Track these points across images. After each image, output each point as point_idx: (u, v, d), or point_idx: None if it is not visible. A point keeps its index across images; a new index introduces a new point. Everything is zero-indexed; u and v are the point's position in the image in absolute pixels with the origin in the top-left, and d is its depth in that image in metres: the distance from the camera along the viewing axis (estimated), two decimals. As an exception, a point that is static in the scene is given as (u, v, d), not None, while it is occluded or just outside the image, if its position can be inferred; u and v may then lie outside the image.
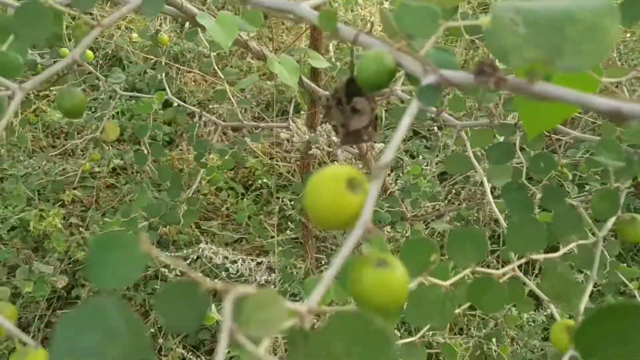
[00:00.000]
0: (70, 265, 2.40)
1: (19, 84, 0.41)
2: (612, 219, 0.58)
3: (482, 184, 1.48)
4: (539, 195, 0.62)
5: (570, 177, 0.65)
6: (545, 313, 1.64)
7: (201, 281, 0.22)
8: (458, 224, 1.40)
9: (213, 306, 0.89)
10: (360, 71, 0.34)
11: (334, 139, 1.20)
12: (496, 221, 1.42)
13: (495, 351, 1.24)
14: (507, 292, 0.49)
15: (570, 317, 0.91)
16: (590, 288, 0.55)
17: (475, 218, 1.49)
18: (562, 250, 0.51)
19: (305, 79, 1.02)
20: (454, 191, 1.49)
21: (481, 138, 0.76)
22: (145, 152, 2.55)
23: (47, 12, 0.44)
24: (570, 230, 0.54)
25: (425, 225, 1.54)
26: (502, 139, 0.75)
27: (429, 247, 0.43)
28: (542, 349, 1.91)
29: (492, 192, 1.41)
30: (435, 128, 2.01)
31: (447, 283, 0.45)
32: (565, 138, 0.67)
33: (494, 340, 1.17)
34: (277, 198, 2.62)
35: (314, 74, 1.09)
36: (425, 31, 0.33)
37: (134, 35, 2.82)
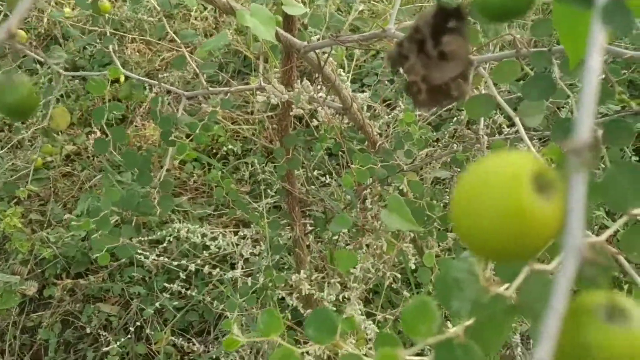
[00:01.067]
0: (38, 265, 2.25)
1: None
2: None
3: (473, 123, 1.38)
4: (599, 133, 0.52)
5: (634, 105, 0.54)
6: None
7: None
8: (457, 169, 1.30)
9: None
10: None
11: (315, 95, 1.07)
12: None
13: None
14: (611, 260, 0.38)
15: None
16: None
17: (467, 160, 1.40)
18: (663, 200, 0.40)
19: (280, 30, 0.89)
20: (447, 135, 1.39)
21: (506, 72, 0.65)
22: (100, 135, 2.37)
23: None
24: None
25: (420, 176, 1.44)
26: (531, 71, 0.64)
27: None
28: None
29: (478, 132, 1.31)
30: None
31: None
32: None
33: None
34: (246, 164, 2.49)
35: (288, 22, 0.95)
36: None
37: (67, 10, 2.58)
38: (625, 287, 1.54)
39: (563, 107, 1.33)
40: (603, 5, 0.19)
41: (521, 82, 0.66)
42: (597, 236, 0.39)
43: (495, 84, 0.69)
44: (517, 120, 0.65)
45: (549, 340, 0.14)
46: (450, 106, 1.92)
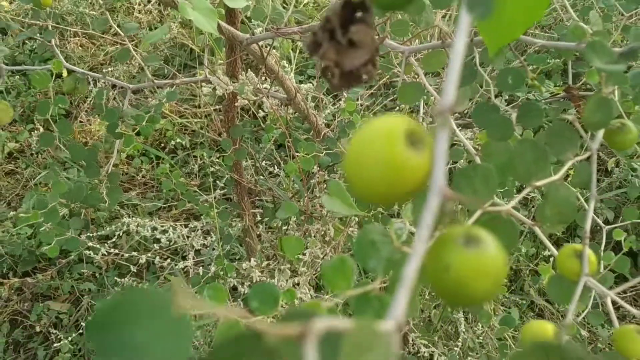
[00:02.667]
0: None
1: None
2: (602, 130, 0.54)
3: (415, 111, 1.44)
4: (513, 115, 0.58)
5: (543, 90, 0.60)
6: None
7: (266, 330, 0.14)
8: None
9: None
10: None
11: (260, 86, 1.10)
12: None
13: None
14: (517, 227, 0.44)
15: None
16: (592, 205, 0.52)
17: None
18: (562, 171, 0.46)
19: (222, 23, 0.91)
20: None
21: (433, 61, 0.70)
22: (43, 131, 2.33)
23: None
24: (567, 149, 0.49)
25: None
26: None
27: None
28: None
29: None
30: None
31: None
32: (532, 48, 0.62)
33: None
34: (195, 157, 2.50)
35: (230, 16, 0.97)
36: None
37: (4, 3, 2.51)
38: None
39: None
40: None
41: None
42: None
43: (425, 73, 0.74)
44: (444, 105, 0.70)
45: (416, 259, 0.18)
46: (395, 96, 1.97)
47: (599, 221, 1.15)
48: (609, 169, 2.20)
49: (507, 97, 1.27)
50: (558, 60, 1.96)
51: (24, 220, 0.90)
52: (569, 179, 0.57)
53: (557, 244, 2.19)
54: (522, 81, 0.58)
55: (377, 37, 0.29)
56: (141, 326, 0.13)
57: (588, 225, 0.50)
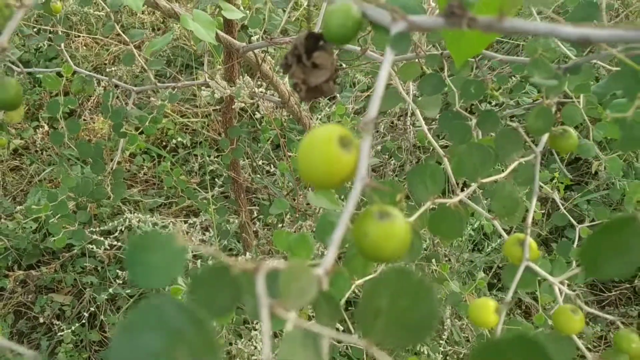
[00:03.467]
0: (-12, 258, 2.28)
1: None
2: (546, 135, 0.62)
3: (404, 115, 1.52)
4: (474, 121, 0.65)
5: (502, 99, 0.68)
6: (473, 227, 1.74)
7: (231, 264, 0.22)
8: (385, 156, 1.44)
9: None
10: (327, 24, 0.33)
11: (256, 90, 1.18)
12: (420, 148, 1.47)
13: (434, 271, 1.31)
14: (464, 218, 0.51)
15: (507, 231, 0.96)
16: (534, 201, 0.59)
17: (398, 147, 1.53)
18: (508, 170, 0.54)
19: (220, 33, 0.99)
20: (383, 126, 1.52)
21: (409, 71, 0.77)
22: (47, 129, 2.40)
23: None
24: (512, 150, 0.57)
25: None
26: (429, 70, 0.77)
27: (395, 188, 0.44)
28: (471, 261, 2.04)
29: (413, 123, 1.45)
30: (343, 64, 2.02)
31: (411, 219, 0.47)
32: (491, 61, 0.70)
33: (433, 260, 1.24)
34: (195, 155, 2.57)
35: (228, 25, 1.05)
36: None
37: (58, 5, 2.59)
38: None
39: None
40: (393, 36, 0.31)
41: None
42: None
43: (401, 81, 0.82)
44: (417, 111, 0.78)
45: (342, 226, 0.26)
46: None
47: (572, 220, 1.22)
48: (595, 172, 2.28)
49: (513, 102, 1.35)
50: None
51: (36, 211, 0.98)
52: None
53: (546, 243, 2.27)
54: (483, 90, 0.66)
55: (336, 60, 0.37)
56: (155, 252, 0.21)
57: (530, 218, 0.58)
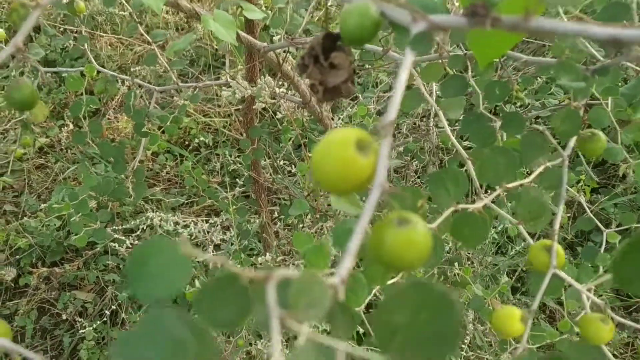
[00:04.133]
0: (13, 255, 2.32)
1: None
2: (574, 138, 0.60)
3: (427, 116, 1.50)
4: (498, 123, 0.64)
5: (527, 101, 0.66)
6: (496, 230, 1.71)
7: (240, 273, 0.21)
8: (407, 157, 1.42)
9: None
10: (344, 25, 0.32)
11: (277, 90, 1.17)
12: (442, 149, 1.45)
13: (456, 274, 1.29)
14: (488, 223, 0.50)
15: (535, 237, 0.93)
16: (562, 206, 0.58)
17: (421, 148, 1.52)
18: (533, 175, 0.52)
19: (241, 33, 0.99)
20: (396, 126, 1.51)
21: (432, 72, 0.76)
22: (72, 127, 2.43)
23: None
24: (538, 154, 0.55)
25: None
26: (453, 71, 0.75)
27: (416, 194, 0.43)
28: (495, 264, 2.01)
29: (436, 124, 1.43)
30: (365, 65, 2.01)
31: (434, 225, 0.46)
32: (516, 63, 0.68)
33: (456, 264, 1.22)
34: (217, 155, 2.58)
35: (249, 25, 1.05)
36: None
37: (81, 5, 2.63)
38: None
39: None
40: (413, 36, 0.29)
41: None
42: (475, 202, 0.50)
43: (424, 83, 0.81)
44: (440, 113, 0.76)
45: (358, 234, 0.25)
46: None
47: (599, 225, 1.19)
48: (623, 175, 2.23)
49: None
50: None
51: (56, 210, 0.99)
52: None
53: (571, 247, 2.23)
54: (508, 92, 0.64)
55: (353, 61, 0.36)
56: (157, 262, 0.21)
57: (557, 224, 0.56)
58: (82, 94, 1.10)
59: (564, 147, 0.60)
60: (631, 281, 0.22)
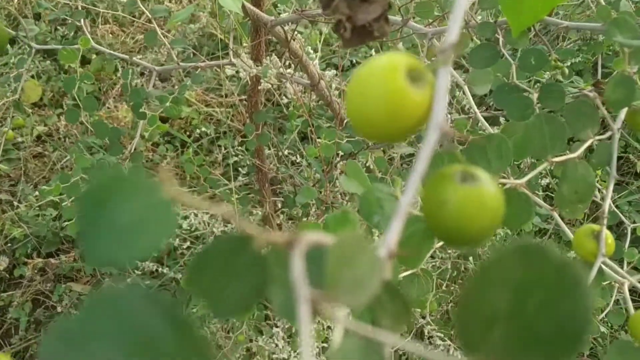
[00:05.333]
0: (8, 245, 2.26)
1: None
2: (624, 110, 0.53)
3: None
4: (535, 95, 0.57)
5: (567, 72, 0.59)
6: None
7: (255, 234, 0.14)
8: (420, 145, 1.35)
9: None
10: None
11: (283, 71, 1.10)
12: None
13: (472, 269, 1.22)
14: (531, 202, 0.43)
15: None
16: (612, 186, 0.51)
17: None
18: (581, 149, 0.45)
19: (247, 5, 0.92)
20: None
21: (458, 42, 0.69)
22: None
23: None
24: (587, 124, 0.48)
25: (384, 152, 1.49)
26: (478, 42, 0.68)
27: (452, 159, 0.35)
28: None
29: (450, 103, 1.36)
30: (378, 44, 1.93)
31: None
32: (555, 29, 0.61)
33: (470, 258, 1.15)
34: (219, 146, 2.52)
35: (256, -1, 0.98)
36: None
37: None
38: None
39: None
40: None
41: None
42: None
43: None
44: (466, 88, 0.69)
45: (411, 190, 0.18)
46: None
47: (624, 219, 1.12)
48: (638, 171, 2.16)
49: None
50: (589, 57, 1.93)
51: (47, 192, 0.92)
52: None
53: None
54: (545, 62, 0.57)
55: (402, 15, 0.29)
56: (126, 205, 0.13)
57: (607, 205, 0.49)
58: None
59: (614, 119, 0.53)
60: None
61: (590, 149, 0.48)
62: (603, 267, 0.51)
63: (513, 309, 0.13)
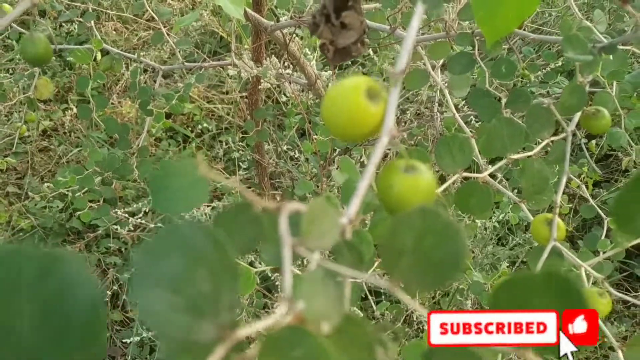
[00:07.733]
0: (15, 236, 2.32)
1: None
2: (578, 114, 0.60)
3: (432, 102, 1.50)
4: (504, 100, 0.64)
5: (532, 78, 0.66)
6: (497, 219, 1.72)
7: (254, 201, 0.21)
8: (411, 142, 1.42)
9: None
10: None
11: (282, 71, 1.18)
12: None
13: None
14: (493, 193, 0.50)
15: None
16: (564, 181, 0.58)
17: (424, 135, 1.52)
18: (538, 148, 0.52)
19: (248, 10, 0.99)
20: (399, 111, 1.51)
21: (439, 50, 0.76)
22: (76, 111, 2.44)
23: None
24: (543, 128, 0.55)
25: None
26: (459, 49, 0.76)
27: (421, 155, 0.43)
28: (494, 254, 2.02)
29: (440, 106, 1.43)
30: (371, 52, 2.00)
31: (439, 190, 0.46)
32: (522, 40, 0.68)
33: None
34: (220, 142, 2.58)
35: (257, 4, 1.05)
36: None
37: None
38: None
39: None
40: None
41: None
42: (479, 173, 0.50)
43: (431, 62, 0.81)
44: (446, 91, 0.77)
45: (367, 176, 0.25)
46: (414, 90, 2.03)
47: (601, 212, 1.20)
48: (625, 169, 2.23)
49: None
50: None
51: (62, 184, 0.99)
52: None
53: (572, 240, 2.23)
54: (514, 70, 0.65)
55: (364, 21, 0.36)
56: (177, 178, 0.21)
57: (558, 197, 0.57)
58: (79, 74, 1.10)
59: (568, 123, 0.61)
60: (629, 220, 0.23)
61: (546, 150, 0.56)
62: (564, 252, 0.59)
63: (415, 246, 0.20)
